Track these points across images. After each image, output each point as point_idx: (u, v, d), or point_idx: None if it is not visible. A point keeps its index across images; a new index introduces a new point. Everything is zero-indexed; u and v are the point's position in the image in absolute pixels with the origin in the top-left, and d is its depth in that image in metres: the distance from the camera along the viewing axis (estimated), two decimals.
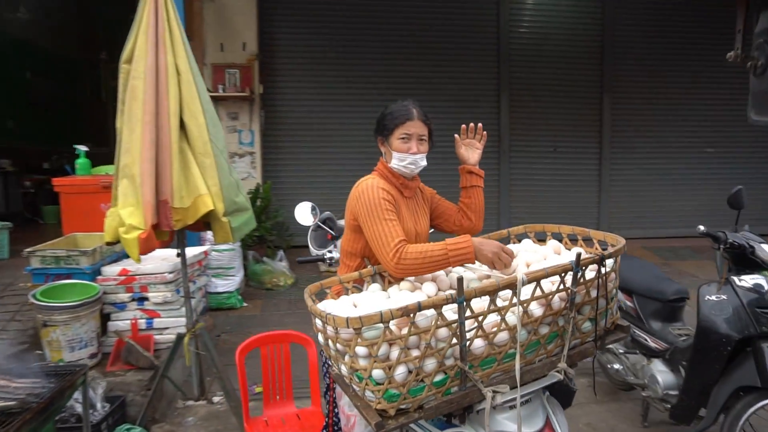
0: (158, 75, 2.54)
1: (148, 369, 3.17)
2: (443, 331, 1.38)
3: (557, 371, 1.53)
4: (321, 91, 6.44)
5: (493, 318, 1.44)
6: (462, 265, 1.69)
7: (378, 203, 1.74)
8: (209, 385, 3.36)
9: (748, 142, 7.17)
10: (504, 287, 1.40)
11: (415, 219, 1.94)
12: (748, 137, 7.14)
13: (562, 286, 1.49)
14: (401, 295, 1.62)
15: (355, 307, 1.61)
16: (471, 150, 2.04)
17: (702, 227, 2.30)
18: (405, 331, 1.35)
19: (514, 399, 1.46)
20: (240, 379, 2.41)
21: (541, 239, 2.00)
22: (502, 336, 1.45)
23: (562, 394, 1.75)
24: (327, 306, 1.62)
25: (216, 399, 3.30)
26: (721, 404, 2.30)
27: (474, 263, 1.66)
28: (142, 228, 2.44)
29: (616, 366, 3.03)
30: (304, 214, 2.61)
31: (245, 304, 4.98)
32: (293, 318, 4.68)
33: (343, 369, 1.47)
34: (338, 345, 1.42)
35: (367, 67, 6.50)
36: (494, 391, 1.43)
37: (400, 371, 1.35)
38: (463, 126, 2.04)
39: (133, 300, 3.46)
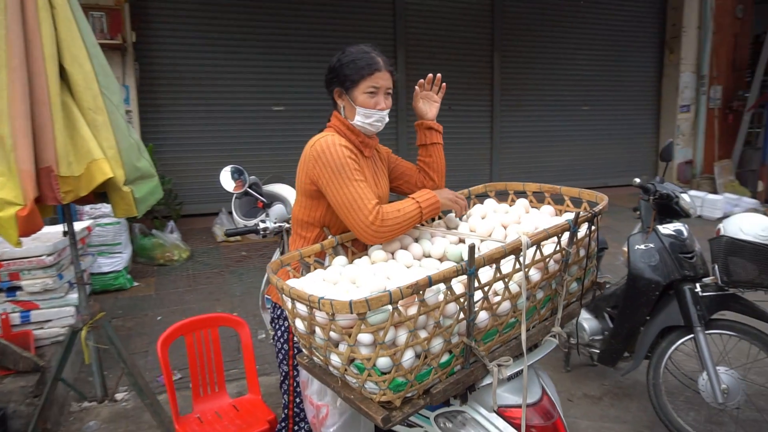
0: (24, 7, 1.98)
1: (32, 372, 2.64)
2: (452, 307, 1.22)
3: (552, 336, 1.47)
4: (208, 42, 5.76)
5: (497, 287, 1.32)
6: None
7: (343, 162, 1.51)
8: (116, 383, 2.91)
9: (619, 102, 7.84)
10: (510, 252, 1.27)
11: (376, 181, 1.74)
12: (619, 97, 7.81)
13: (557, 248, 1.41)
14: (382, 267, 1.43)
15: (336, 283, 1.39)
16: (429, 104, 1.85)
17: (637, 179, 2.38)
18: (413, 310, 1.17)
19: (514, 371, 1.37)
20: (165, 375, 2.07)
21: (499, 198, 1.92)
22: (505, 305, 1.33)
23: None
24: (296, 285, 1.39)
25: (120, 396, 2.87)
26: (648, 345, 2.46)
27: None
28: (21, 203, 1.94)
29: None
30: (227, 179, 2.27)
31: (136, 284, 4.41)
32: (195, 295, 4.25)
33: (334, 360, 1.25)
34: (332, 333, 1.20)
35: (259, 20, 5.93)
36: (499, 365, 1.33)
37: (408, 356, 1.18)
38: (421, 80, 1.85)
39: (1, 291, 2.85)
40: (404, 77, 6.77)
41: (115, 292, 4.25)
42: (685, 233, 2.46)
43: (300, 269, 1.62)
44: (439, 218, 1.88)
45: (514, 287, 1.33)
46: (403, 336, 1.17)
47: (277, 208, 2.33)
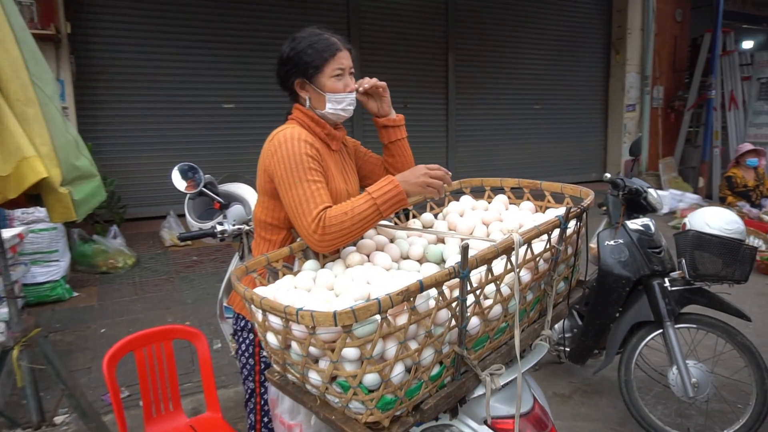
0: None
1: None
2: (443, 314, 1.11)
3: (542, 339, 1.38)
4: (152, 34, 5.42)
5: (488, 290, 1.22)
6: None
7: (299, 159, 1.36)
8: (55, 405, 2.63)
9: (569, 101, 8.01)
10: (502, 252, 1.17)
11: (344, 177, 1.60)
12: (569, 96, 7.98)
13: (547, 246, 1.32)
14: (360, 272, 1.30)
15: (309, 290, 1.25)
16: (378, 98, 1.68)
17: (608, 174, 2.36)
18: (402, 319, 1.05)
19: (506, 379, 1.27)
20: (111, 394, 1.85)
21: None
22: (496, 309, 1.24)
23: None
24: (265, 294, 1.24)
25: (59, 419, 2.60)
26: (620, 341, 2.45)
27: (409, 206, 1.51)
28: None
29: None
30: (178, 177, 2.07)
31: (76, 294, 4.07)
32: (143, 304, 3.97)
33: (313, 377, 1.11)
34: (312, 349, 1.06)
35: (208, 13, 5.65)
36: (491, 374, 1.23)
37: (398, 371, 1.06)
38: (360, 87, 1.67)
39: None
40: (359, 75, 6.61)
41: (53, 303, 3.90)
42: (653, 228, 2.46)
43: (266, 276, 1.47)
44: (414, 216, 1.77)
45: (505, 290, 1.24)
46: (392, 349, 1.04)
47: (236, 209, 2.15)
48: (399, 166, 1.73)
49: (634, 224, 2.47)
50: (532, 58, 7.65)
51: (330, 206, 1.32)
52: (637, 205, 2.50)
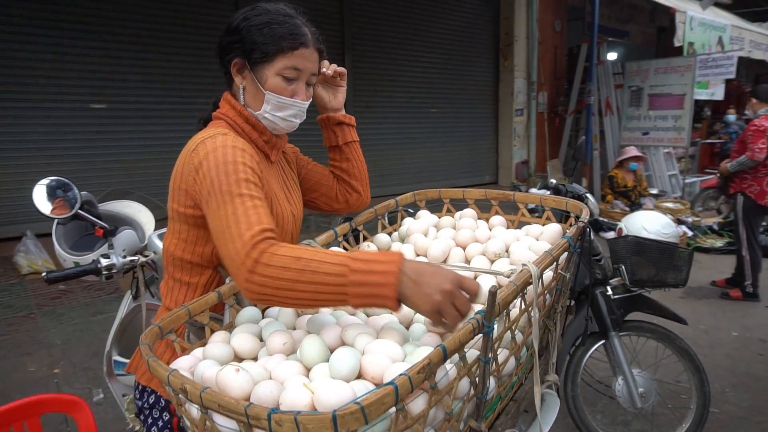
0: None
1: None
2: (464, 385, 0.81)
3: (548, 387, 1.14)
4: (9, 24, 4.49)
5: (504, 339, 0.94)
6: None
7: (231, 169, 0.99)
8: None
9: (462, 105, 8.12)
10: (522, 289, 0.91)
11: (287, 195, 1.25)
12: (462, 100, 8.10)
13: (554, 274, 1.08)
14: (328, 324, 0.96)
15: (255, 359, 0.88)
16: (332, 89, 1.38)
17: (553, 180, 2.22)
18: (420, 403, 0.73)
19: None
20: None
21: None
22: (511, 362, 0.97)
23: None
24: (182, 366, 0.87)
25: None
26: (567, 356, 2.33)
27: (396, 310, 0.85)
28: None
29: None
30: (42, 197, 1.55)
31: None
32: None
33: None
34: None
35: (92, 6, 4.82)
36: None
37: None
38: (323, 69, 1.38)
39: None
40: None
41: None
42: (592, 234, 2.38)
43: (185, 332, 1.07)
44: (365, 239, 1.46)
45: (518, 336, 0.97)
46: None
47: (125, 236, 1.67)
48: (356, 173, 1.43)
49: None
50: (426, 62, 7.64)
51: (271, 231, 0.92)
52: None
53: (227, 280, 1.12)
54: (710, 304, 4.28)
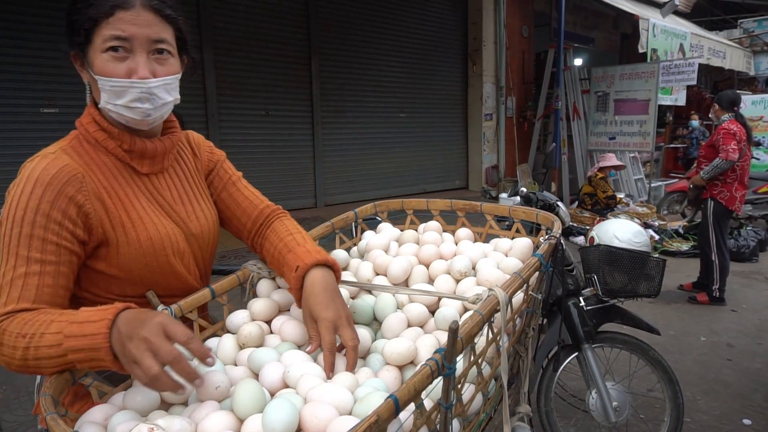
0: None
1: None
2: None
3: (520, 419, 1.03)
4: None
5: (470, 375, 0.83)
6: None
7: (19, 218, 0.85)
8: None
9: (431, 109, 8.07)
10: (489, 318, 0.80)
11: (171, 210, 1.03)
12: (431, 105, 8.05)
13: (524, 296, 0.98)
14: (269, 364, 0.84)
15: (167, 409, 0.75)
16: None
17: (524, 189, 2.14)
18: None
19: None
20: None
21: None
22: (477, 400, 0.86)
23: None
24: (94, 419, 0.74)
25: None
26: (540, 368, 2.25)
27: (123, 371, 0.76)
28: None
29: None
30: None
31: None
32: None
33: None
34: None
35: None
36: None
37: None
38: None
39: None
40: (214, 78, 5.94)
41: None
42: (564, 244, 2.30)
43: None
44: None
45: (486, 369, 0.87)
46: None
47: None
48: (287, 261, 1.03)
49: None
50: (395, 66, 7.57)
51: (24, 304, 0.82)
52: None
53: (159, 308, 0.98)
54: (678, 308, 4.30)
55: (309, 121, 6.81)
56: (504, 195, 7.08)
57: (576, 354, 2.21)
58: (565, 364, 2.25)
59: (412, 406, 0.65)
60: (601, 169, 6.36)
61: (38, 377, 1.59)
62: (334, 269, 0.98)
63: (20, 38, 4.59)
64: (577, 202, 6.99)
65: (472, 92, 8.37)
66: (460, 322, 0.71)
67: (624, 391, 2.19)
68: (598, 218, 5.95)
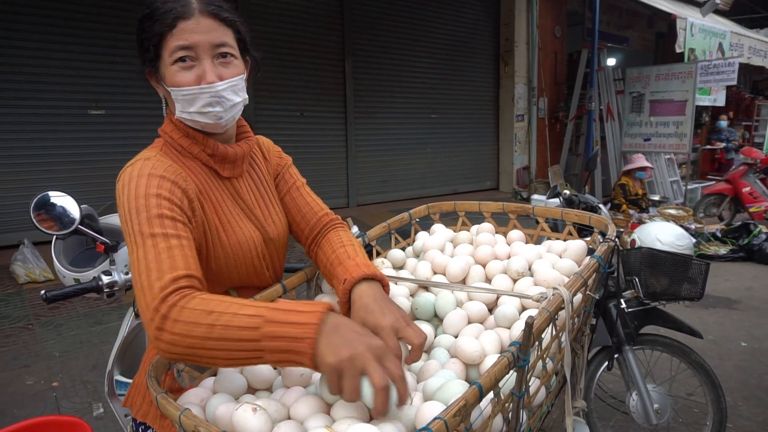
0: None
1: None
2: (497, 423, 0.76)
3: (577, 414, 1.08)
4: None
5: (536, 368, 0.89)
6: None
7: (140, 205, 0.87)
8: None
9: (462, 110, 8.09)
10: (554, 315, 0.85)
11: (251, 214, 1.09)
12: (463, 105, 8.06)
13: (583, 296, 1.03)
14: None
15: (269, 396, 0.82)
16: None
17: (567, 191, 2.17)
18: None
19: None
20: None
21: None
22: (541, 393, 0.91)
23: None
24: (191, 400, 0.82)
25: None
26: (583, 371, 2.27)
27: (313, 368, 0.74)
28: None
29: None
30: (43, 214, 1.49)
31: None
32: None
33: None
34: None
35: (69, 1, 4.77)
36: None
37: None
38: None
39: None
40: (251, 81, 6.07)
41: None
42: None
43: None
44: (378, 254, 1.41)
45: (549, 364, 0.92)
46: None
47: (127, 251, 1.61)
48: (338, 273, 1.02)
49: None
50: (427, 67, 7.61)
51: (187, 278, 0.81)
52: None
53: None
54: (716, 313, 4.23)
55: (342, 122, 6.91)
56: (538, 196, 7.05)
57: (616, 356, 2.23)
58: (605, 366, 2.27)
59: (490, 395, 0.71)
60: (626, 173, 6.28)
61: (109, 364, 1.70)
62: (383, 283, 0.97)
63: (70, 42, 4.80)
64: (609, 204, 6.92)
65: (504, 93, 8.35)
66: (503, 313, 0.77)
67: (665, 393, 2.19)
68: (631, 221, 5.88)
